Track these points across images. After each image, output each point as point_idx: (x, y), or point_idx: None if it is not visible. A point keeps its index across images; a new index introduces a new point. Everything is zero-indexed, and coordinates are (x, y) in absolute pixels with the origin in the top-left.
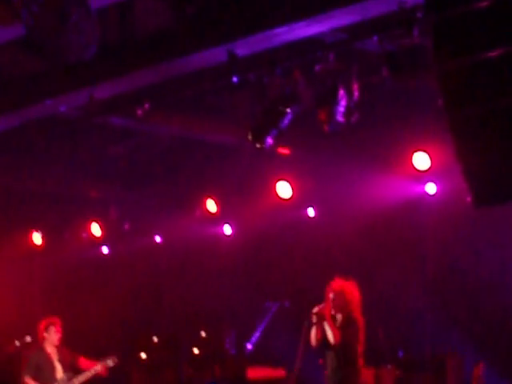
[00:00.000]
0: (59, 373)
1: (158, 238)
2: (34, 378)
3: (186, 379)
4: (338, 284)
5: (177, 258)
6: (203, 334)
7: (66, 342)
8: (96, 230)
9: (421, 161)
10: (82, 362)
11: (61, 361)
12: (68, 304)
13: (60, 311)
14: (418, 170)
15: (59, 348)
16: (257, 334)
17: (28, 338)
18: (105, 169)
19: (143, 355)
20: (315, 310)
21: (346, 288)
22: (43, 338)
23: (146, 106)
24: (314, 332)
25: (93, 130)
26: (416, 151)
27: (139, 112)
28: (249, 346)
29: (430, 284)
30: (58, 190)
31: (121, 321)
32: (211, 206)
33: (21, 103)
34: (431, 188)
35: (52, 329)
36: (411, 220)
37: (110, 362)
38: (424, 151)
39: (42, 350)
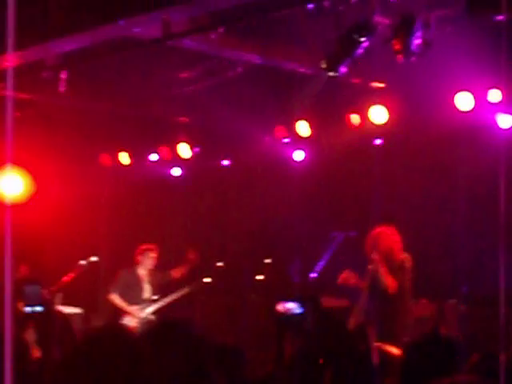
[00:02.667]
0: (147, 293)
1: (225, 162)
2: (121, 296)
3: (249, 305)
4: (376, 233)
5: (244, 183)
6: (267, 260)
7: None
8: (165, 153)
9: (494, 96)
10: (174, 272)
11: (151, 283)
12: (134, 226)
13: (130, 231)
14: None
15: (152, 271)
16: (321, 264)
17: (94, 258)
18: (176, 92)
19: (207, 279)
20: (373, 256)
21: (382, 235)
22: (137, 261)
23: (220, 30)
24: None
25: (165, 53)
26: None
27: (213, 36)
28: (313, 275)
29: (499, 221)
30: (128, 112)
31: (187, 244)
32: (280, 132)
33: (93, 22)
34: (505, 120)
35: (148, 254)
36: (480, 154)
37: (201, 285)
38: (497, 88)
39: (133, 271)
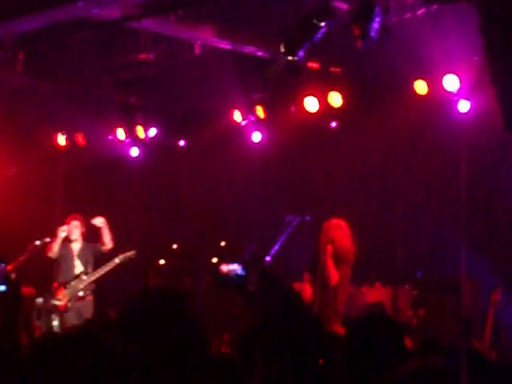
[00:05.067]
0: (78, 268)
1: (181, 142)
2: (58, 271)
3: (204, 287)
4: (330, 226)
5: (200, 165)
6: (222, 243)
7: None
8: (121, 134)
9: (451, 82)
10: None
11: (81, 257)
12: (89, 206)
13: (81, 213)
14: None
15: (83, 244)
16: (276, 247)
17: (48, 239)
18: (133, 74)
19: (162, 261)
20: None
21: (336, 229)
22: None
23: (180, 12)
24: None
25: (124, 35)
26: (446, 74)
27: (172, 18)
28: (267, 259)
29: (453, 207)
30: (84, 93)
31: (141, 226)
32: (237, 116)
33: (53, 3)
34: (464, 106)
35: (73, 225)
36: (440, 142)
37: (130, 256)
38: (454, 73)
39: (65, 245)
